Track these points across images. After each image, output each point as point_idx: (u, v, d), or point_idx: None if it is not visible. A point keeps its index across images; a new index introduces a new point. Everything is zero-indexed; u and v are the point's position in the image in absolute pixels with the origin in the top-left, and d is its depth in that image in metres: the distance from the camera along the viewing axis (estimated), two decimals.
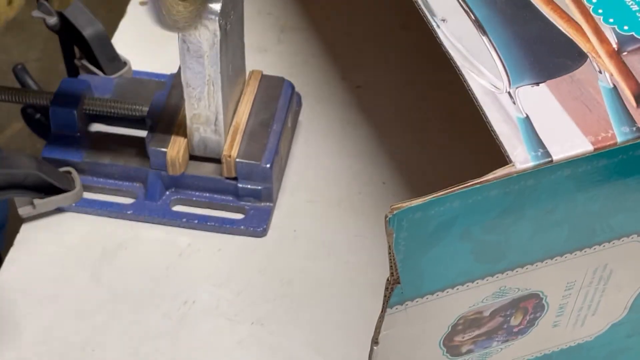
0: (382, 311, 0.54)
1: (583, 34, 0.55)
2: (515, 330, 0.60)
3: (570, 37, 0.55)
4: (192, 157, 0.80)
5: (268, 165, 0.78)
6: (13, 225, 0.80)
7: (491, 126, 0.51)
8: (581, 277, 0.58)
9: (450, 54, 0.54)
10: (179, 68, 0.82)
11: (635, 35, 0.55)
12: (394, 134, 0.85)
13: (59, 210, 0.80)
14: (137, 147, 0.81)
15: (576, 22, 0.55)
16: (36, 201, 0.78)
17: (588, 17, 0.56)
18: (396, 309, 0.54)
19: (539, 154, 0.50)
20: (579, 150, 0.50)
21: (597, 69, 0.53)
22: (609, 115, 0.51)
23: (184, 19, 0.67)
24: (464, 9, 0.56)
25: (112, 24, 0.93)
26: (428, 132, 0.85)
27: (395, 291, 0.53)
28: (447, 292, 0.55)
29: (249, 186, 0.79)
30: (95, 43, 0.84)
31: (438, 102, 0.87)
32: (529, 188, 0.51)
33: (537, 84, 0.53)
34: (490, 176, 0.50)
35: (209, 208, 0.80)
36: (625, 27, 0.55)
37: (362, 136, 0.85)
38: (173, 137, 0.78)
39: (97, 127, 0.84)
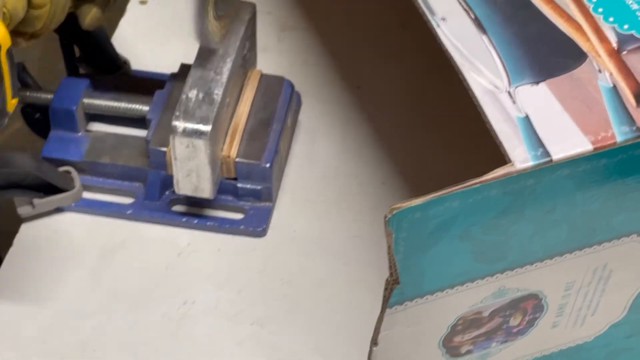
0: (381, 311, 0.54)
1: (583, 33, 0.55)
2: (514, 330, 0.60)
3: (570, 36, 0.55)
4: None
5: (268, 165, 0.78)
6: (13, 225, 0.80)
7: (491, 125, 0.51)
8: (581, 277, 0.58)
9: (450, 53, 0.54)
10: (179, 67, 0.82)
11: (635, 34, 0.55)
12: (393, 133, 0.85)
13: (58, 210, 0.80)
14: (137, 146, 0.81)
15: (576, 21, 0.55)
16: (36, 201, 0.78)
17: (588, 16, 0.55)
18: (395, 309, 0.54)
19: (539, 153, 0.50)
20: (579, 150, 0.50)
21: (597, 68, 0.53)
22: (609, 115, 0.51)
23: (218, 35, 0.74)
24: (463, 8, 0.56)
25: (112, 24, 0.92)
26: (428, 131, 0.85)
27: (394, 291, 0.53)
28: (447, 292, 0.55)
29: (248, 186, 0.79)
30: (95, 42, 0.84)
31: (438, 101, 0.87)
32: (529, 188, 0.51)
33: (537, 83, 0.53)
34: (489, 176, 0.50)
35: (208, 208, 0.80)
36: (625, 26, 0.55)
37: (362, 136, 0.85)
38: None
39: (96, 126, 0.83)
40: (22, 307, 0.76)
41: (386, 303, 0.53)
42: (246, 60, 0.80)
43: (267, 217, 0.80)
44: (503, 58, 0.54)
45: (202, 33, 0.71)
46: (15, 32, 0.67)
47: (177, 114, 0.74)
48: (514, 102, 0.52)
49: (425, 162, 0.83)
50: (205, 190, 0.76)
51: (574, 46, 0.54)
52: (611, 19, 0.55)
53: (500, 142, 0.50)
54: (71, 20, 0.82)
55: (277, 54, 0.91)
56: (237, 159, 0.78)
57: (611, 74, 0.53)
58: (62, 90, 0.81)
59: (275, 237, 0.80)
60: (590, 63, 0.54)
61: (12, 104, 0.66)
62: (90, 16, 0.75)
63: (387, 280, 0.52)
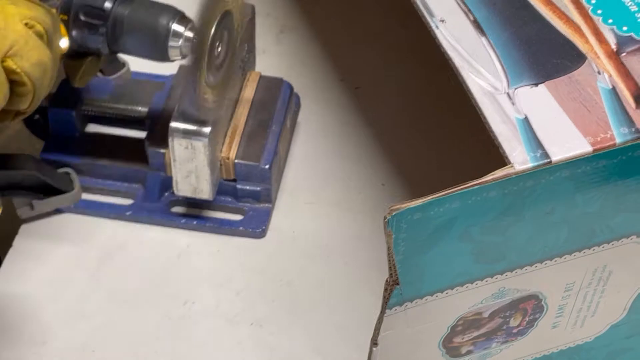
0: (381, 312, 0.54)
1: (582, 34, 0.55)
2: (514, 331, 0.60)
3: (569, 38, 0.55)
4: None
5: (267, 166, 0.78)
6: (12, 226, 0.80)
7: (490, 127, 0.51)
8: (580, 278, 0.58)
9: (449, 54, 0.54)
10: (179, 69, 0.82)
11: (634, 36, 0.55)
12: (393, 135, 0.85)
13: (57, 211, 0.80)
14: (136, 148, 0.81)
15: (575, 23, 0.55)
16: (35, 202, 0.78)
17: (587, 18, 0.56)
18: (395, 310, 0.54)
19: (538, 155, 0.50)
20: (578, 151, 0.50)
21: (596, 70, 0.53)
22: (608, 116, 0.51)
23: (212, 105, 0.73)
24: (462, 9, 0.56)
25: None
26: (427, 133, 0.85)
27: (394, 292, 0.53)
28: (447, 293, 0.55)
29: (247, 187, 0.79)
30: None
31: (437, 103, 0.87)
32: (528, 189, 0.51)
33: (536, 84, 0.53)
34: (489, 177, 0.50)
35: (207, 209, 0.80)
36: (625, 28, 0.55)
37: (361, 137, 0.85)
38: None
39: (95, 128, 0.83)
40: (22, 307, 0.76)
41: (386, 304, 0.53)
42: (245, 62, 0.80)
43: (267, 218, 0.80)
44: (502, 60, 0.54)
45: (194, 104, 0.70)
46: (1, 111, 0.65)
47: (176, 115, 0.74)
48: (513, 103, 0.52)
49: (425, 163, 0.83)
50: (205, 192, 0.76)
51: (573, 48, 0.55)
52: (610, 21, 0.55)
53: (499, 144, 0.51)
54: None
55: (276, 55, 0.91)
56: (236, 160, 0.78)
57: (610, 76, 0.53)
58: (61, 92, 0.81)
59: (274, 238, 0.80)
60: (590, 65, 0.54)
61: None
62: (78, 77, 0.74)
63: (386, 281, 0.52)
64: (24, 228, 0.80)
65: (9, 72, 0.61)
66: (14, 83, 0.61)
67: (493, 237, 0.53)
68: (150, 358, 0.73)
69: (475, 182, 0.50)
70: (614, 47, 0.54)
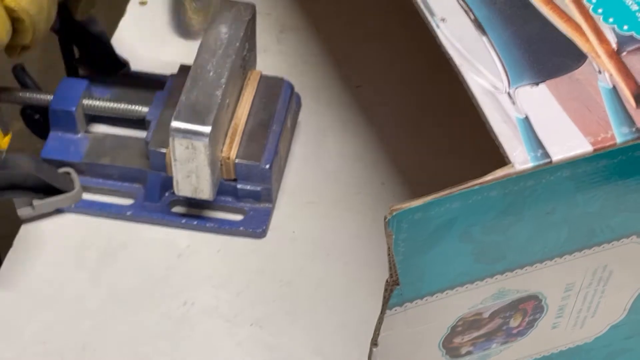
0: (381, 312, 0.54)
1: (582, 33, 0.55)
2: (514, 331, 0.60)
3: (570, 37, 0.55)
4: None
5: (267, 166, 0.78)
6: (12, 227, 0.80)
7: (490, 127, 0.51)
8: (580, 279, 0.58)
9: (450, 53, 0.54)
10: (179, 68, 0.82)
11: (635, 35, 0.55)
12: (393, 134, 0.85)
13: (58, 211, 0.80)
14: (137, 147, 0.81)
15: (575, 22, 0.55)
16: (35, 202, 0.78)
17: (587, 16, 0.55)
18: (395, 310, 0.54)
19: (539, 154, 0.50)
20: (579, 151, 0.50)
21: (597, 69, 0.53)
22: (609, 116, 0.51)
23: (198, 25, 0.77)
24: (463, 8, 0.56)
25: (112, 24, 0.92)
26: (427, 132, 0.85)
27: (394, 292, 0.53)
28: (447, 293, 0.55)
29: (248, 187, 0.79)
30: (95, 43, 0.84)
31: (437, 102, 0.87)
32: (529, 189, 0.51)
33: (537, 84, 0.53)
34: (489, 177, 0.50)
35: (208, 209, 0.80)
36: (625, 27, 0.55)
37: (362, 137, 0.85)
38: None
39: (96, 127, 0.83)
40: (22, 307, 0.76)
41: (386, 304, 0.53)
42: (246, 61, 0.80)
43: (267, 218, 0.80)
44: (503, 59, 0.54)
45: (180, 21, 0.72)
46: (7, 47, 0.71)
47: (177, 114, 0.74)
48: (513, 103, 0.52)
49: (425, 163, 0.83)
50: (205, 192, 0.76)
51: (573, 47, 0.54)
52: (611, 20, 0.55)
53: (500, 143, 0.50)
54: (70, 20, 0.82)
55: (276, 54, 0.91)
56: (237, 160, 0.78)
57: (611, 75, 0.53)
58: (61, 91, 0.81)
59: (274, 238, 0.80)
60: (590, 64, 0.54)
61: (5, 142, 0.72)
62: (80, 7, 0.78)
63: (387, 281, 0.52)
64: (24, 228, 0.80)
65: (9, 10, 0.68)
66: (15, 20, 0.68)
67: (493, 237, 0.53)
68: (150, 358, 0.73)
69: (475, 182, 0.50)
70: (614, 46, 0.54)
